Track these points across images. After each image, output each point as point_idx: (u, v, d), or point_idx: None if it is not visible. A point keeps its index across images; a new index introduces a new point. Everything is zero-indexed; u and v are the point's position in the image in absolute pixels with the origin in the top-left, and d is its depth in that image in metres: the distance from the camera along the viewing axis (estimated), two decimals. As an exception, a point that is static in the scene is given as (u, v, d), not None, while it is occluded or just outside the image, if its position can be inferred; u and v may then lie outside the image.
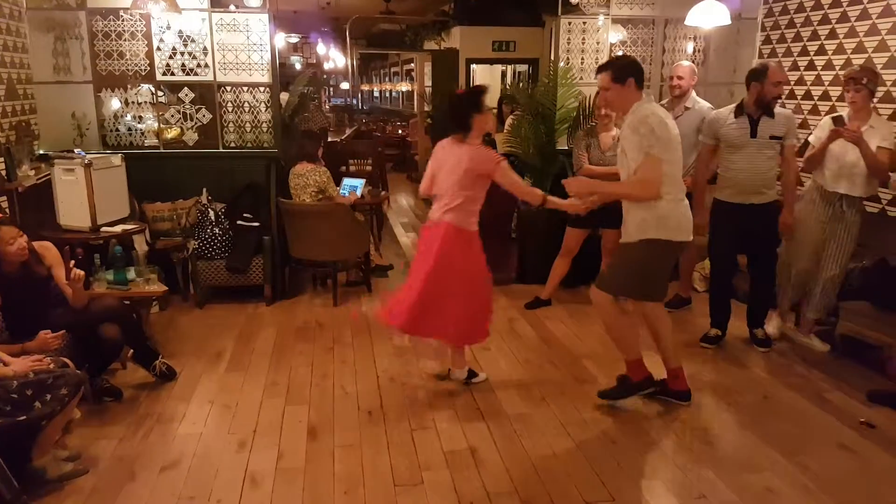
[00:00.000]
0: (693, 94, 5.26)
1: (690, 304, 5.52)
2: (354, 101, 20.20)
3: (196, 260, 5.37)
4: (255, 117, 5.76)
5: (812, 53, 5.53)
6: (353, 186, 5.81)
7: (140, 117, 5.63)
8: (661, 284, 3.77)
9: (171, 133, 5.73)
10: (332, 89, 19.51)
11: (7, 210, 4.47)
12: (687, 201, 3.62)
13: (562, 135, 6.20)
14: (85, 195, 4.73)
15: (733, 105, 4.50)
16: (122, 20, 5.40)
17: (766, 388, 4.15)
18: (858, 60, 5.01)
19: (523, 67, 12.32)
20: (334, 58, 16.50)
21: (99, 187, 4.79)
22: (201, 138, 5.71)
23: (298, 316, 5.36)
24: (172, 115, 5.66)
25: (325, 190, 5.45)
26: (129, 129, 5.63)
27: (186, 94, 5.61)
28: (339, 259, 5.71)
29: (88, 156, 4.85)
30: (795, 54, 5.71)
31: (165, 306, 5.31)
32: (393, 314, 3.88)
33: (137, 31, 5.44)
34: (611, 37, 6.27)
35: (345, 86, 18.90)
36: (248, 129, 5.77)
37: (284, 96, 6.77)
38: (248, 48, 5.61)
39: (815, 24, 5.49)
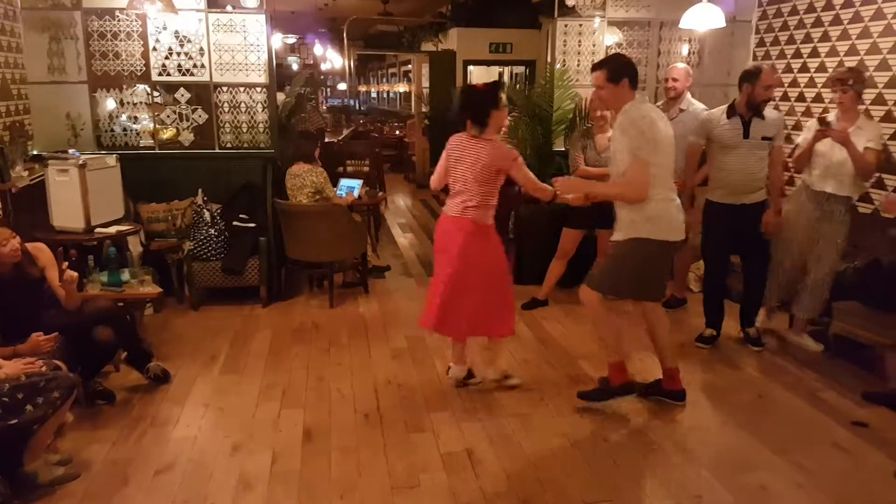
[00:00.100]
0: (688, 95, 5.28)
1: (686, 305, 5.54)
2: (352, 102, 20.20)
3: (191, 261, 5.36)
4: (252, 118, 5.75)
5: (805, 56, 5.54)
6: (351, 187, 5.80)
7: (135, 118, 5.62)
8: (654, 284, 3.77)
9: (167, 133, 5.72)
10: (329, 90, 19.52)
11: (0, 211, 4.46)
12: (678, 201, 3.63)
13: (558, 136, 6.22)
14: (79, 196, 4.71)
15: (725, 106, 4.51)
16: (118, 20, 5.39)
17: (760, 387, 4.16)
18: (851, 62, 5.02)
19: (520, 69, 12.35)
20: (331, 58, 16.52)
21: (93, 188, 4.77)
22: (197, 139, 5.70)
23: (294, 318, 5.35)
24: (168, 116, 5.65)
25: (321, 190, 5.45)
26: (125, 130, 5.62)
27: (182, 95, 5.61)
28: (335, 260, 5.70)
29: (83, 156, 4.83)
30: (789, 56, 5.73)
31: (160, 308, 5.30)
32: (426, 317, 3.96)
33: (133, 31, 5.43)
34: (606, 39, 6.29)
35: (342, 86, 18.90)
36: (245, 130, 5.77)
37: (281, 97, 6.76)
38: (244, 49, 5.61)
39: (809, 26, 5.50)
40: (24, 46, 5.24)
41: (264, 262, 5.45)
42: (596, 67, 3.64)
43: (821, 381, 4.21)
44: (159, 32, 5.46)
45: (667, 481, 3.17)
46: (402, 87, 18.25)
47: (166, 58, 5.52)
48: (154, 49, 5.49)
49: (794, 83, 5.68)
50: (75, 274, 3.61)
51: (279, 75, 6.82)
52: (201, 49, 5.54)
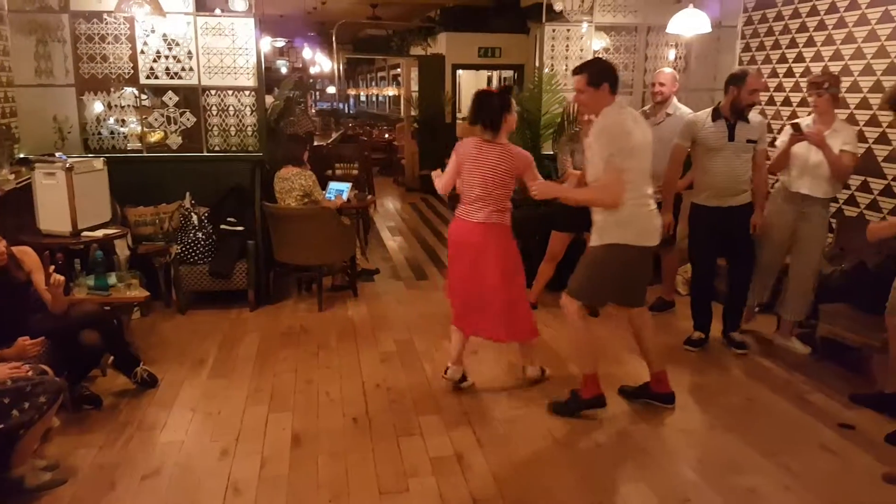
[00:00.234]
0: (675, 100, 5.32)
1: (674, 308, 5.56)
2: (341, 106, 20.17)
3: (178, 265, 5.33)
4: (241, 121, 5.74)
5: (791, 61, 5.59)
6: (340, 190, 5.80)
7: (123, 121, 5.59)
8: (632, 289, 3.77)
9: (155, 137, 5.69)
10: (318, 93, 19.48)
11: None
12: (653, 206, 3.62)
13: (547, 140, 6.24)
14: (66, 199, 4.68)
15: (710, 109, 4.55)
16: (106, 23, 5.36)
17: (748, 390, 4.18)
18: (836, 67, 5.07)
19: (509, 73, 12.38)
20: (320, 62, 16.50)
21: (80, 191, 4.74)
22: (185, 142, 5.67)
23: (283, 321, 5.33)
24: (156, 119, 5.62)
25: (310, 194, 5.44)
26: (112, 133, 5.58)
27: (170, 98, 5.58)
28: (324, 263, 5.69)
29: (70, 159, 4.80)
30: (774, 61, 5.78)
31: (147, 312, 5.27)
32: (457, 317, 4.05)
33: (121, 34, 5.40)
34: (594, 44, 6.32)
35: (331, 90, 18.88)
36: (233, 133, 5.75)
37: (270, 100, 6.75)
38: (233, 52, 5.59)
39: (794, 31, 5.55)
40: (11, 49, 5.19)
41: (252, 266, 5.43)
42: (577, 71, 3.63)
43: (808, 384, 4.24)
44: (147, 35, 5.44)
45: (656, 484, 3.18)
46: (391, 91, 18.24)
47: (154, 61, 5.49)
48: (142, 52, 5.46)
49: (779, 88, 5.73)
50: (62, 278, 3.57)
51: (268, 79, 6.80)
52: (189, 52, 5.52)
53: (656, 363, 3.89)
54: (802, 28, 5.46)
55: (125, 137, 5.62)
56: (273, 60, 16.73)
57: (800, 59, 5.49)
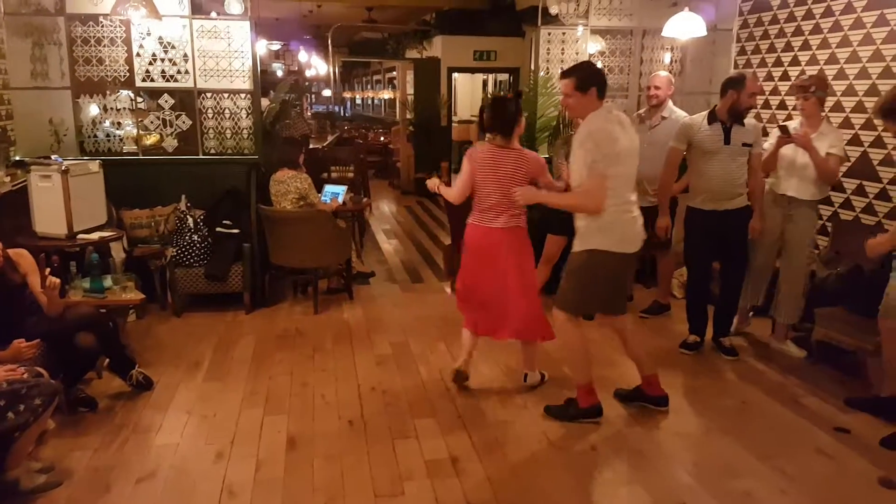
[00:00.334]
0: (670, 103, 5.33)
1: (669, 311, 5.56)
2: (336, 109, 20.17)
3: (174, 267, 5.32)
4: (236, 124, 5.73)
5: (786, 64, 5.61)
6: (335, 193, 5.80)
7: (119, 123, 5.58)
8: (613, 297, 3.74)
9: (151, 139, 5.68)
10: (313, 96, 19.47)
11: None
12: (635, 213, 3.59)
13: (542, 143, 6.25)
14: (61, 202, 4.67)
15: (705, 112, 4.56)
16: (102, 26, 5.36)
17: (744, 393, 4.19)
18: (831, 71, 5.10)
19: (504, 76, 12.41)
20: (316, 65, 16.48)
21: (76, 194, 4.73)
22: (181, 145, 5.66)
23: (278, 324, 5.32)
24: (152, 122, 5.61)
25: (306, 196, 5.44)
26: (108, 136, 5.58)
27: (166, 101, 5.58)
28: (320, 266, 5.69)
29: (65, 162, 4.80)
30: (770, 65, 5.80)
31: (143, 314, 5.26)
32: (472, 322, 4.11)
33: (117, 37, 5.40)
34: (590, 47, 6.34)
35: (327, 93, 18.87)
36: (229, 136, 5.75)
37: (266, 103, 6.75)
38: (229, 55, 5.59)
39: (789, 35, 5.57)
40: (7, 51, 5.18)
41: (248, 269, 5.42)
42: (565, 75, 3.60)
43: (804, 387, 4.25)
44: (143, 38, 5.43)
45: (651, 488, 3.18)
46: (386, 94, 18.27)
47: (150, 64, 5.49)
48: (138, 55, 5.45)
49: (774, 91, 5.75)
50: (57, 280, 3.57)
51: (264, 81, 6.80)
52: (185, 55, 5.52)
53: (646, 367, 3.89)
54: (798, 31, 5.49)
55: (121, 140, 5.61)
56: (269, 63, 16.70)
57: (795, 62, 5.52)
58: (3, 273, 3.47)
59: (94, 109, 5.50)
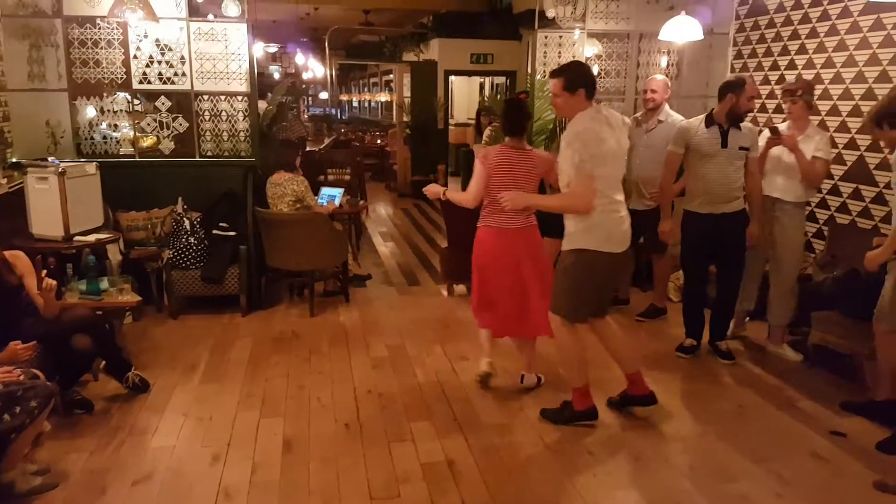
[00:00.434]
0: (666, 107, 5.34)
1: (666, 315, 5.57)
2: (333, 111, 20.19)
3: (171, 270, 5.32)
4: (233, 126, 5.73)
5: (782, 68, 5.63)
6: (332, 196, 5.80)
7: (116, 126, 5.58)
8: (596, 299, 3.72)
9: (147, 141, 5.68)
10: (310, 99, 19.49)
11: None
12: (623, 213, 3.59)
13: (539, 146, 6.24)
14: (58, 204, 4.67)
15: (703, 115, 4.58)
16: (99, 28, 5.36)
17: (740, 397, 4.20)
18: (828, 75, 5.12)
19: (501, 79, 12.43)
20: (313, 68, 16.51)
21: (72, 196, 4.73)
22: (178, 147, 5.66)
23: (275, 326, 5.32)
24: (149, 124, 5.61)
25: (302, 199, 5.43)
26: (105, 138, 5.57)
27: (163, 103, 5.57)
28: (316, 269, 5.69)
29: (62, 164, 4.79)
30: (766, 69, 5.82)
31: (139, 317, 5.25)
32: (497, 326, 4.14)
33: (114, 39, 5.40)
34: (586, 50, 6.35)
35: (324, 95, 18.89)
36: (226, 138, 5.74)
37: (263, 105, 6.75)
38: (226, 57, 5.59)
39: (786, 39, 5.59)
40: (4, 53, 5.17)
41: (244, 271, 5.42)
42: (554, 75, 3.58)
43: (800, 391, 4.25)
44: (140, 41, 5.43)
45: (647, 491, 3.19)
46: (383, 97, 18.30)
47: (147, 66, 5.49)
48: (135, 57, 5.45)
49: (770, 95, 5.77)
50: (54, 282, 3.57)
51: (261, 84, 6.80)
52: (182, 57, 5.52)
53: (629, 367, 3.87)
54: (794, 35, 5.51)
55: (118, 142, 5.61)
56: (266, 66, 16.73)
57: (791, 66, 5.54)
58: (-1, 275, 3.47)
59: (90, 111, 5.50)
